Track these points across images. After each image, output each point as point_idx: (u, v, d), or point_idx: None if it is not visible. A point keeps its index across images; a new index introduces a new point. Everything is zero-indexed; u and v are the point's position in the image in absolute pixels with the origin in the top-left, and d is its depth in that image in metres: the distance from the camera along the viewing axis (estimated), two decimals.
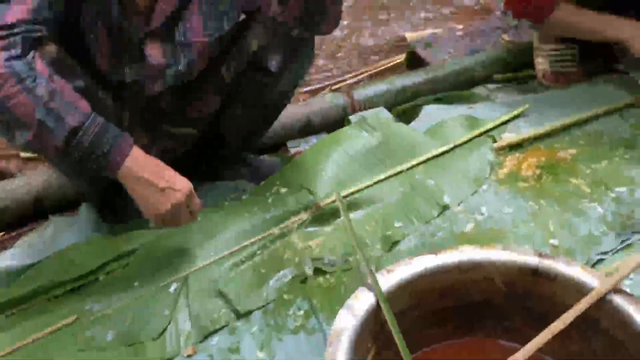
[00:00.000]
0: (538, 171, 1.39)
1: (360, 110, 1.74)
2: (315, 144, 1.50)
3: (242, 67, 1.35)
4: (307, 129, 1.74)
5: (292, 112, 1.73)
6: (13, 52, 0.99)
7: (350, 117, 1.65)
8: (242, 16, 1.26)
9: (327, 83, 2.19)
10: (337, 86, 2.13)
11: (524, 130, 1.51)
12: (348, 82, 2.18)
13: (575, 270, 0.79)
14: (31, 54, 1.01)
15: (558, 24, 1.63)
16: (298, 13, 1.21)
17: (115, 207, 1.40)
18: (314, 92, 2.10)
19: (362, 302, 0.80)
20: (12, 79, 0.98)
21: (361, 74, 2.22)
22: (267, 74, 1.33)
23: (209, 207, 1.34)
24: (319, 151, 1.44)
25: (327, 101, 1.77)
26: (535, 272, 0.83)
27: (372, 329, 0.81)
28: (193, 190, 1.13)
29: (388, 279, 0.83)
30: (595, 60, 1.90)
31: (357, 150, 1.42)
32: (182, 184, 1.11)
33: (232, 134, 1.49)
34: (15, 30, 1.00)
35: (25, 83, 0.99)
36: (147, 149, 1.39)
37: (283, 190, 1.37)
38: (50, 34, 1.05)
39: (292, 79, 1.39)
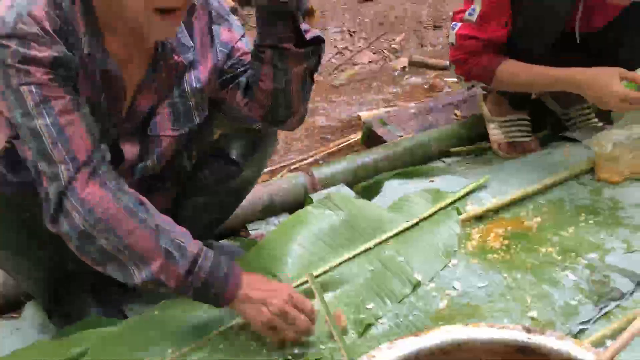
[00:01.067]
0: (506, 242, 1.37)
1: (321, 188, 1.71)
2: (278, 226, 1.44)
3: (203, 156, 1.32)
4: (268, 209, 1.69)
5: (252, 193, 1.67)
6: (100, 179, 1.01)
7: (311, 196, 1.61)
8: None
9: (284, 164, 2.17)
10: (295, 166, 2.11)
11: (486, 201, 1.51)
12: (306, 162, 2.17)
13: (567, 345, 0.74)
14: (115, 180, 1.04)
15: (507, 79, 1.67)
16: (263, 109, 1.17)
17: (64, 304, 1.29)
18: (272, 173, 2.08)
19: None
20: (126, 214, 1.01)
21: (319, 153, 2.22)
22: (230, 163, 1.30)
23: (169, 302, 1.24)
24: (282, 233, 1.38)
25: (287, 180, 1.74)
26: (524, 350, 0.78)
27: None
28: (295, 293, 1.12)
29: None
30: (546, 129, 1.96)
31: (322, 230, 1.37)
32: (278, 291, 1.10)
33: (191, 223, 1.42)
34: (94, 159, 1.02)
35: (138, 216, 1.02)
36: None
37: None
38: None
39: (255, 168, 1.37)
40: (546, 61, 1.61)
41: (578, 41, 1.69)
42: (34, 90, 0.97)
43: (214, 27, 1.18)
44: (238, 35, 1.22)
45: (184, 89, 1.17)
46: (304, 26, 1.10)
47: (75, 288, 1.30)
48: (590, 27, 1.73)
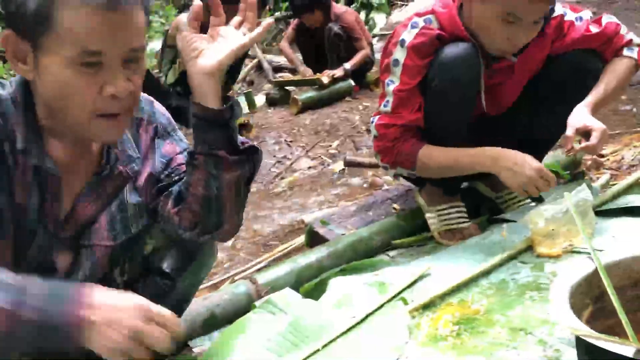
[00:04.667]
0: (456, 327, 1.33)
1: (266, 294, 1.65)
2: (219, 336, 1.37)
3: (135, 271, 1.26)
4: (209, 324, 1.60)
5: (192, 308, 1.60)
6: None
7: (255, 304, 1.55)
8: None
9: (227, 275, 2.11)
10: (239, 277, 2.05)
11: (431, 289, 1.49)
12: (250, 270, 2.11)
13: None
14: None
15: (428, 163, 1.73)
16: (194, 217, 1.15)
17: None
18: (215, 287, 2.01)
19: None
20: None
21: (264, 260, 2.18)
22: (164, 277, 1.25)
23: None
24: (223, 344, 1.31)
25: (228, 291, 1.68)
26: None
27: (590, 293, 1.02)
28: (146, 303, 0.92)
29: None
30: (483, 214, 2.00)
31: (267, 336, 1.30)
32: (126, 306, 0.91)
33: None
34: None
35: None
36: None
37: None
38: None
39: (191, 281, 1.32)
40: (467, 143, 1.69)
41: (485, 111, 1.80)
42: None
43: (157, 141, 1.20)
44: (180, 149, 1.23)
45: (123, 199, 1.16)
46: (240, 138, 1.12)
47: None
48: (500, 107, 1.84)
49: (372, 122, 1.79)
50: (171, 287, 1.28)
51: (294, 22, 4.72)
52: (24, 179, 1.02)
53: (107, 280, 1.23)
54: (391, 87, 1.72)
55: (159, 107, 1.24)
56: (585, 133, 1.63)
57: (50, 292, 0.89)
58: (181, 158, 1.22)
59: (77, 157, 1.08)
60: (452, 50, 1.64)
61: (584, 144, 1.62)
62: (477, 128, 1.77)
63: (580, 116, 1.65)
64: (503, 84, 1.79)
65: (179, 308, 1.36)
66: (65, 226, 1.10)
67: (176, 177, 1.20)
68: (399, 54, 1.69)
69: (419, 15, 1.71)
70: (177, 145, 1.23)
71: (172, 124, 1.25)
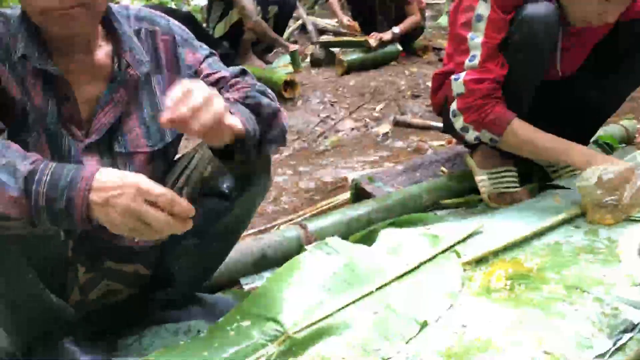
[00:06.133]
0: (509, 282, 1.34)
1: (315, 241, 1.67)
2: (275, 272, 1.39)
3: (195, 194, 1.29)
4: (261, 263, 1.64)
5: (244, 247, 1.64)
6: None
7: (306, 247, 1.57)
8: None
9: (274, 223, 2.14)
10: (285, 225, 2.08)
11: (484, 245, 1.49)
12: (294, 221, 2.14)
13: None
14: None
15: (514, 139, 1.69)
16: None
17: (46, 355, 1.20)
18: (261, 233, 2.04)
19: None
20: None
21: (307, 212, 2.20)
22: (223, 198, 1.27)
23: (162, 350, 1.17)
24: (280, 279, 1.33)
25: (280, 234, 1.71)
26: None
27: None
28: (147, 183, 0.91)
29: None
30: (534, 181, 1.99)
31: (321, 274, 1.33)
32: (124, 186, 0.91)
33: (182, 270, 1.37)
34: None
35: None
36: (89, 288, 1.27)
37: (245, 323, 1.23)
38: None
39: (247, 206, 1.33)
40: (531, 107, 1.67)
41: (560, 74, 1.76)
42: None
43: (179, 50, 1.25)
44: (202, 56, 1.28)
45: (157, 110, 1.21)
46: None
47: (57, 339, 1.22)
48: (566, 71, 1.81)
49: (457, 79, 1.72)
50: (229, 208, 1.28)
51: None
52: (36, 86, 1.09)
53: None
54: (478, 40, 1.67)
55: (173, 20, 1.28)
56: None
57: (54, 177, 0.90)
58: (206, 68, 1.26)
59: (85, 67, 1.14)
60: (535, 8, 1.61)
61: None
62: (540, 91, 1.75)
63: None
64: (572, 48, 1.76)
65: (233, 235, 1.39)
66: (89, 134, 1.15)
67: None
68: (482, 8, 1.65)
69: None
70: (198, 52, 1.27)
71: (189, 34, 1.29)
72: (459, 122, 1.75)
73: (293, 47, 4.09)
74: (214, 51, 1.32)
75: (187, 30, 1.29)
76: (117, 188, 0.90)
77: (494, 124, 1.68)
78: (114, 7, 1.19)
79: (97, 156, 1.16)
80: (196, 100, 0.93)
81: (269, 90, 1.25)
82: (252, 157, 1.15)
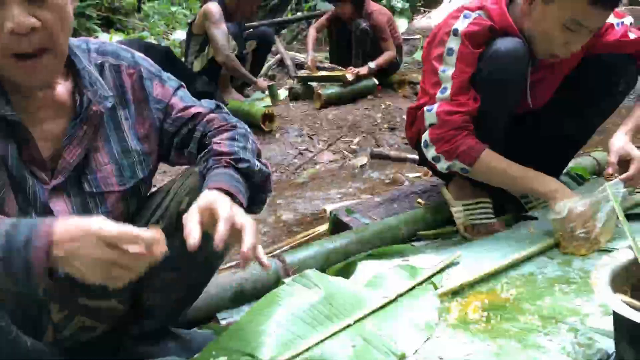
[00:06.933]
0: (485, 313, 1.35)
1: (294, 273, 1.67)
2: (252, 306, 1.38)
3: (171, 227, 1.28)
4: (238, 297, 1.63)
5: (221, 281, 1.63)
6: None
7: (284, 280, 1.57)
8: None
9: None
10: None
11: (461, 276, 1.50)
12: (273, 253, 2.13)
13: None
14: None
15: (485, 170, 1.73)
16: None
17: None
18: (239, 266, 2.03)
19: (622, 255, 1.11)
20: None
21: (286, 244, 2.20)
22: None
23: None
24: (257, 313, 1.32)
25: (258, 267, 1.69)
26: None
27: (629, 279, 1.10)
28: (105, 233, 0.88)
29: None
30: (507, 213, 2.02)
31: (300, 308, 1.32)
32: (84, 236, 0.88)
33: (158, 304, 1.35)
34: None
35: None
36: (63, 326, 1.24)
37: (222, 359, 1.21)
38: None
39: None
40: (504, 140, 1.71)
41: (531, 106, 1.82)
42: None
43: (146, 83, 1.22)
44: (172, 89, 1.26)
45: (127, 147, 1.19)
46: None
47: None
48: (535, 104, 1.86)
49: (429, 110, 1.75)
50: (205, 241, 1.28)
51: (330, 12, 4.76)
52: None
53: None
54: (448, 73, 1.70)
55: (139, 54, 1.26)
56: (623, 161, 1.67)
57: (9, 236, 0.88)
58: (179, 103, 1.24)
59: (45, 105, 1.10)
60: (504, 43, 1.66)
61: (624, 175, 1.66)
62: (511, 124, 1.80)
63: (621, 142, 1.70)
64: (542, 80, 1.81)
65: (211, 267, 1.37)
66: (55, 174, 1.12)
67: (185, 130, 1.24)
68: (453, 43, 1.70)
69: (468, 9, 1.73)
70: (166, 84, 1.25)
71: (156, 67, 1.27)
72: (430, 152, 1.77)
73: (261, 83, 4.14)
74: (182, 83, 1.30)
75: (153, 63, 1.27)
76: (78, 239, 0.88)
77: (465, 154, 1.71)
78: (73, 41, 1.15)
79: (65, 198, 1.13)
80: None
81: (246, 127, 1.28)
82: None
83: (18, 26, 0.96)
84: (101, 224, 0.90)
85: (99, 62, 1.18)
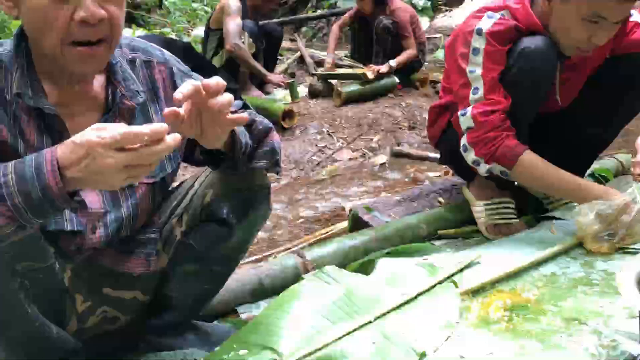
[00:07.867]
0: (507, 313, 1.34)
1: (313, 269, 1.67)
2: (273, 301, 1.39)
3: (195, 220, 1.29)
4: (257, 292, 1.64)
5: (241, 276, 1.64)
6: None
7: (304, 276, 1.57)
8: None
9: (272, 252, 2.14)
10: (282, 254, 2.08)
11: (481, 275, 1.49)
12: (292, 250, 2.14)
13: None
14: None
15: (530, 171, 1.68)
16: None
17: None
18: (259, 261, 2.04)
19: None
20: None
21: (305, 241, 2.20)
22: (222, 225, 1.27)
23: None
24: (277, 307, 1.33)
25: (277, 262, 1.71)
26: None
27: None
28: (107, 140, 0.86)
29: None
30: (529, 213, 2.00)
31: (320, 304, 1.33)
32: (91, 151, 0.88)
33: (180, 296, 1.37)
34: None
35: None
36: (87, 317, 1.26)
37: (242, 352, 1.22)
38: None
39: (248, 230, 1.34)
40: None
41: (560, 104, 1.79)
42: None
43: (177, 81, 1.23)
44: None
45: None
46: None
47: None
48: (562, 103, 1.84)
49: (464, 114, 1.70)
50: (229, 235, 1.28)
51: (353, 9, 4.76)
52: (30, 124, 1.07)
53: (166, 232, 1.29)
54: (477, 73, 1.67)
55: (168, 52, 1.28)
56: None
57: (19, 173, 0.90)
58: None
59: (79, 98, 1.12)
60: (532, 41, 1.64)
61: None
62: (536, 124, 1.78)
63: None
64: (566, 81, 1.79)
65: (233, 260, 1.38)
66: None
67: None
68: (478, 42, 1.67)
69: (491, 9, 1.71)
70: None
71: (185, 66, 1.28)
72: (470, 156, 1.73)
73: (273, 77, 4.14)
74: None
75: (182, 62, 1.29)
76: (85, 156, 0.88)
77: (504, 157, 1.67)
78: None
79: (96, 189, 1.15)
80: (211, 81, 0.97)
81: (271, 124, 1.28)
82: (240, 169, 1.19)
83: (92, 17, 0.99)
84: (98, 133, 0.88)
85: (130, 57, 1.20)
